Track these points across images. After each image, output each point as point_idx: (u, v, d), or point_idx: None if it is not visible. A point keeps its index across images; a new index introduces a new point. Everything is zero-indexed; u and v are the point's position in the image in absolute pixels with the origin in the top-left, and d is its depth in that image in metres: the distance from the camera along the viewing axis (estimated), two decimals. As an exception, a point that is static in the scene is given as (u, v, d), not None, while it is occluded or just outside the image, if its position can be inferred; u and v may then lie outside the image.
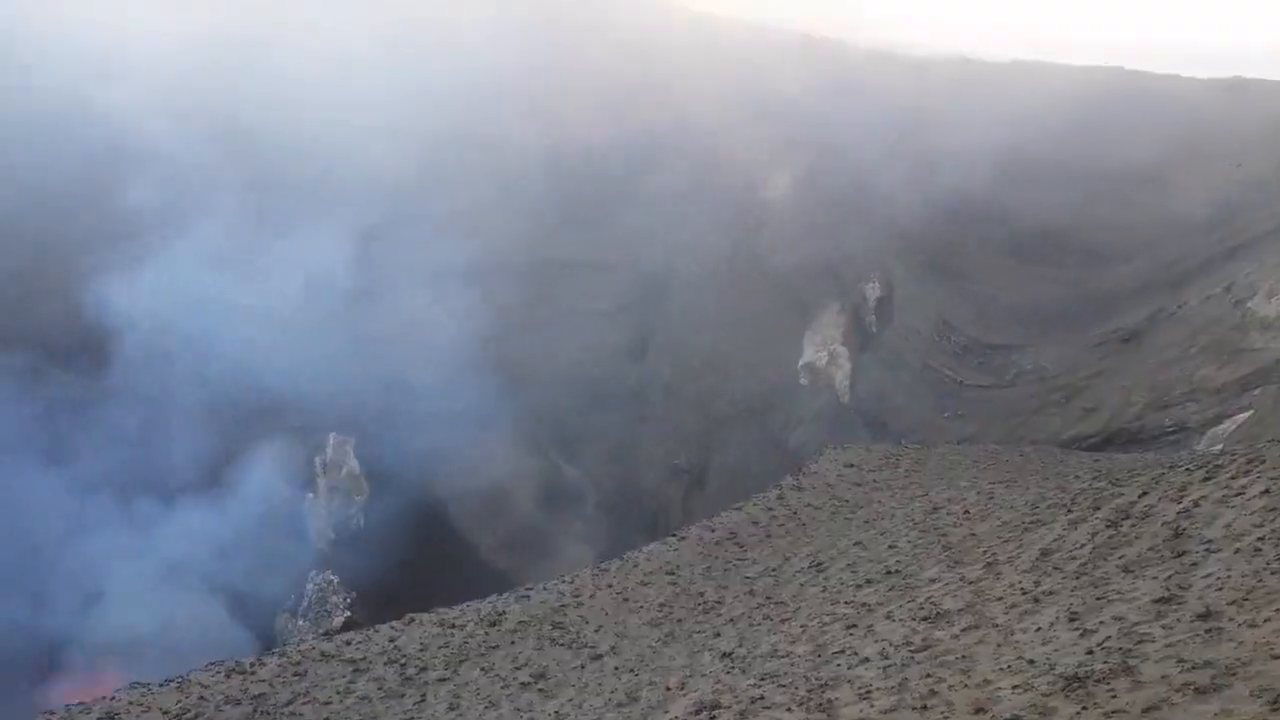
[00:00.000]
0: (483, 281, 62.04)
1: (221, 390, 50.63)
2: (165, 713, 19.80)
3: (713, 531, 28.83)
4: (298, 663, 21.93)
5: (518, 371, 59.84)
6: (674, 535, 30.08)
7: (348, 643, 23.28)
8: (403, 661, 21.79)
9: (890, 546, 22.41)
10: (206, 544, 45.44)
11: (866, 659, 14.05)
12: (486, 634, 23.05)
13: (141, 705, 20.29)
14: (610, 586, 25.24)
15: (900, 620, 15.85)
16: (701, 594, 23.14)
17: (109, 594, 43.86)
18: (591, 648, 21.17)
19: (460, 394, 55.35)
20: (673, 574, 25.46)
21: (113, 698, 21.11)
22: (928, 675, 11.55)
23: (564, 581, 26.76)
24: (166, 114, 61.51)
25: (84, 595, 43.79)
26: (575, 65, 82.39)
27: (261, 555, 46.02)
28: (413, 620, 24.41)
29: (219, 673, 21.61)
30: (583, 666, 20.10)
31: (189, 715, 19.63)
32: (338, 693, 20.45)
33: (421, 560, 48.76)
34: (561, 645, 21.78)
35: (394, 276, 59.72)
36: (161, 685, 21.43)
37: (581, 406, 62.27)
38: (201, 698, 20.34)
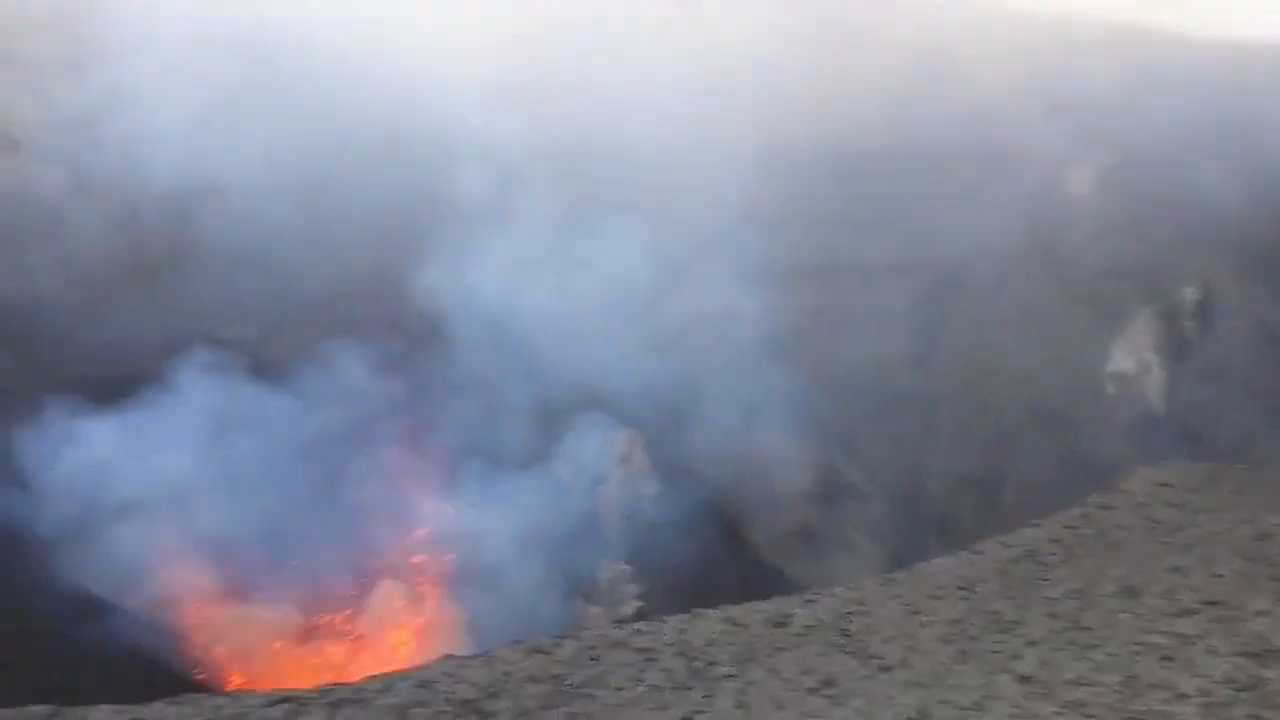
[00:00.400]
0: (775, 283, 62.24)
1: (534, 384, 53.78)
2: (475, 685, 21.13)
3: (1009, 548, 27.58)
4: (592, 647, 22.80)
5: (807, 374, 59.58)
6: (966, 549, 28.99)
7: (638, 632, 23.93)
8: (691, 655, 22.19)
9: (1212, 575, 20.71)
10: (515, 526, 48.61)
11: (1185, 695, 13.11)
12: (773, 635, 23.09)
13: (453, 677, 21.75)
14: (899, 597, 24.67)
15: (1223, 655, 14.67)
16: (997, 612, 22.22)
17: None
18: (879, 659, 20.79)
19: (750, 395, 55.89)
20: (965, 589, 24.57)
21: (426, 667, 22.78)
22: (1253, 716, 10.64)
23: (850, 589, 26.36)
24: (491, 112, 65.44)
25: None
26: (865, 65, 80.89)
27: (560, 542, 48.59)
28: (700, 615, 24.78)
29: (522, 651, 22.83)
30: (870, 677, 19.80)
31: (495, 690, 20.85)
32: (629, 680, 21.08)
33: (707, 556, 49.59)
34: (848, 653, 21.51)
35: (690, 278, 60.96)
36: (471, 659, 22.91)
37: (869, 411, 61.30)
38: (506, 674, 21.55)
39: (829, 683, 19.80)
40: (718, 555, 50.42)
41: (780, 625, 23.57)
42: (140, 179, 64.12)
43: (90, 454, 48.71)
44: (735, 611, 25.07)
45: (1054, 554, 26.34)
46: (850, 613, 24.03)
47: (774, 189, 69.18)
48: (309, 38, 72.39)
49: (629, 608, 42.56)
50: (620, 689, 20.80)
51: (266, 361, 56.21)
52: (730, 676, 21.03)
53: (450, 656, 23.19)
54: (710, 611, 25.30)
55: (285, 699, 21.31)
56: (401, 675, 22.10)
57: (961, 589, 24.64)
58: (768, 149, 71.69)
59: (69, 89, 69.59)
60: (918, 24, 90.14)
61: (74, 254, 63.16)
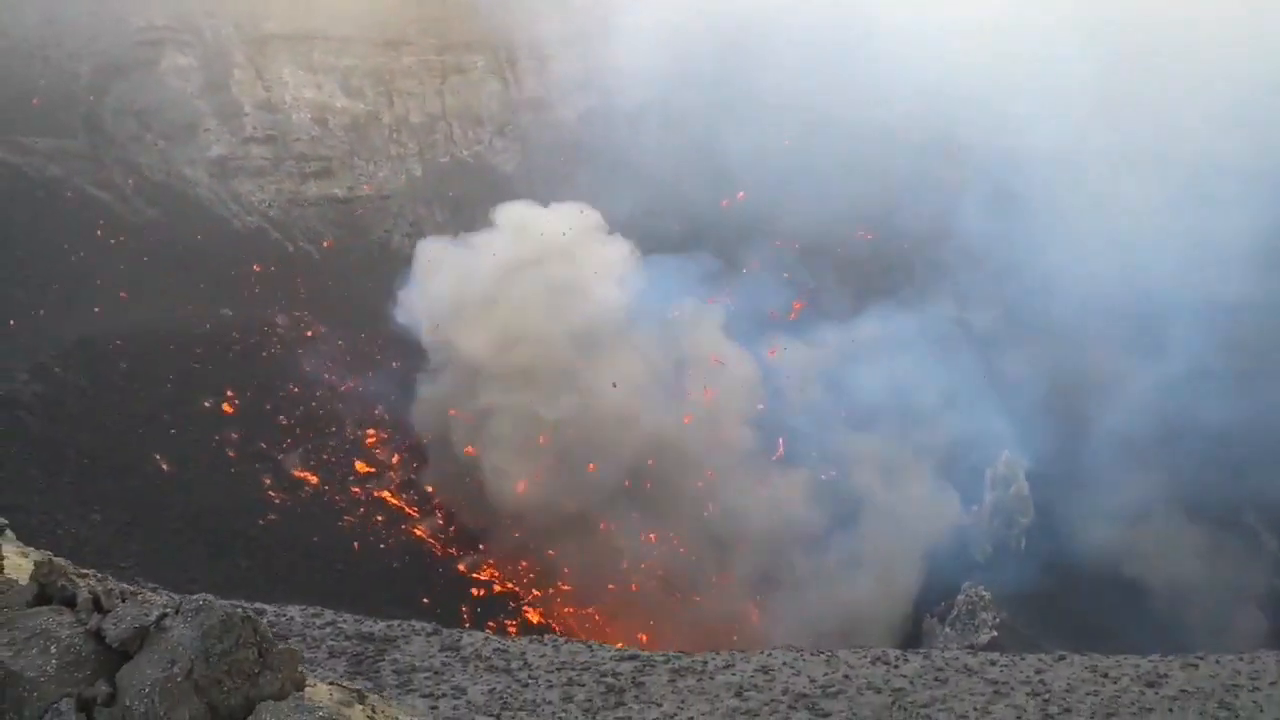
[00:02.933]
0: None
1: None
2: (812, 680, 21.18)
3: None
4: (940, 669, 22.09)
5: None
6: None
7: (992, 662, 22.90)
8: (1046, 697, 20.91)
9: None
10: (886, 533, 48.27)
11: None
12: (1142, 693, 21.24)
13: (792, 668, 21.95)
14: (1302, 678, 21.82)
15: None
16: None
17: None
18: (1266, 742, 18.55)
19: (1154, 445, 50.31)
20: (1389, 683, 21.30)
21: (768, 653, 23.12)
22: None
23: (1240, 659, 23.64)
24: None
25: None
26: None
27: (923, 557, 47.47)
28: (1063, 658, 23.27)
29: (865, 658, 22.57)
30: (1253, 761, 17.70)
31: (833, 690, 20.78)
32: (975, 709, 20.23)
33: (1077, 598, 46.27)
34: (1229, 730, 19.39)
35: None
36: (813, 654, 22.95)
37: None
38: (846, 676, 21.42)
39: (1200, 758, 17.94)
40: (1091, 599, 46.65)
41: (1153, 685, 21.61)
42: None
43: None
44: (1104, 661, 23.31)
45: None
46: (1237, 685, 21.58)
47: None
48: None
49: (984, 635, 40.60)
50: (964, 716, 20.00)
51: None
52: (1087, 728, 19.62)
53: (792, 647, 23.40)
54: (1075, 656, 23.69)
55: (634, 656, 22.47)
56: (744, 656, 22.60)
57: (1385, 684, 21.37)
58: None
59: (532, 74, 76.92)
60: None
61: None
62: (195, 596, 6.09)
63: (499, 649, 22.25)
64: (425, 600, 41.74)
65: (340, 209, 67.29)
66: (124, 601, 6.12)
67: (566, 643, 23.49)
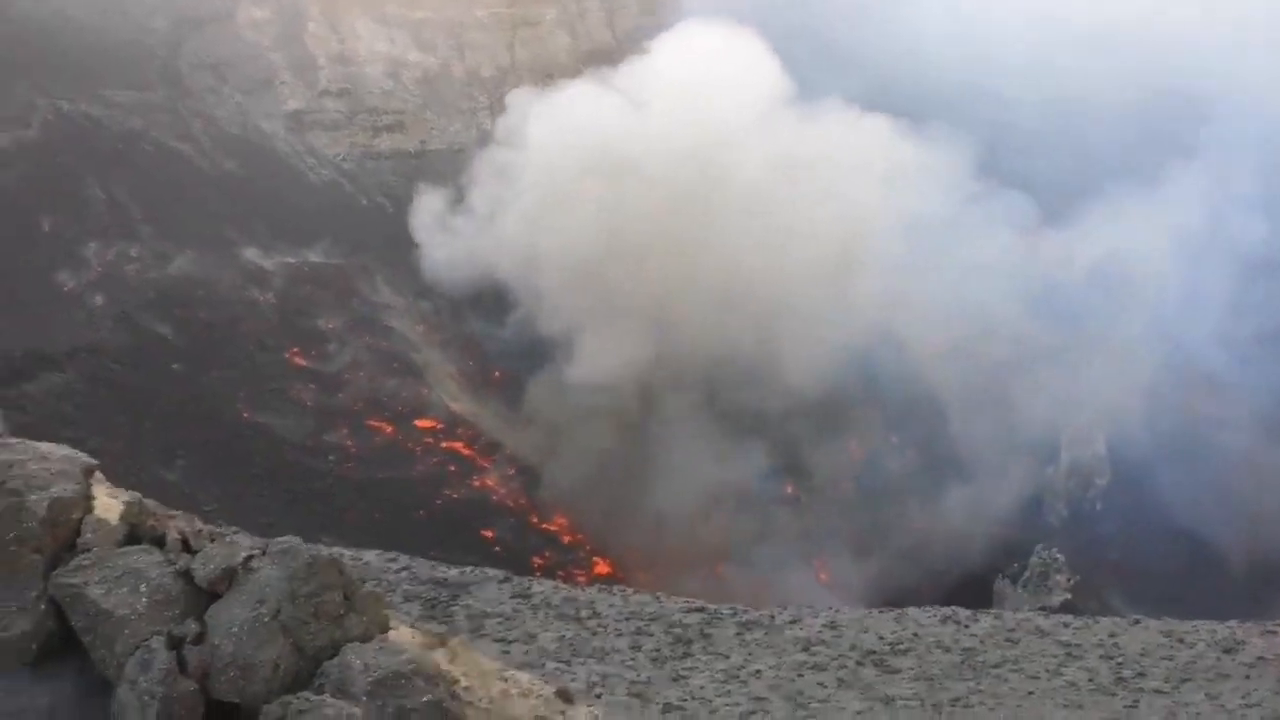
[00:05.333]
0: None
1: None
2: (881, 638, 21.12)
3: None
4: (1011, 630, 21.88)
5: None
6: None
7: (1065, 625, 22.65)
8: (1119, 660, 20.62)
9: None
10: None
11: None
12: (1218, 659, 20.84)
13: (861, 625, 21.91)
14: (1387, 647, 21.24)
15: None
16: None
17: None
18: (1346, 708, 18.11)
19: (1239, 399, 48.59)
20: None
21: (837, 610, 23.10)
22: None
23: (1323, 627, 23.10)
24: None
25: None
26: None
27: (996, 518, 46.92)
28: (1138, 622, 22.93)
29: (935, 617, 22.42)
30: (1330, 728, 17.31)
31: (901, 648, 20.70)
32: (1046, 670, 20.03)
33: (1154, 562, 45.41)
34: (1308, 697, 18.95)
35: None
36: (881, 611, 22.89)
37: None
38: (915, 635, 21.31)
39: (1279, 724, 17.59)
40: (1169, 563, 45.72)
41: (1230, 651, 21.19)
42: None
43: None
44: (1180, 627, 22.91)
45: None
46: (1319, 653, 21.11)
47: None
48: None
49: (1056, 598, 40.15)
50: (1035, 677, 19.81)
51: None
52: (1161, 693, 19.29)
53: (861, 606, 23.37)
54: (1151, 621, 23.33)
55: (701, 609, 22.58)
56: (812, 612, 22.61)
57: None
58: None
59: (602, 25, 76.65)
60: None
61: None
62: (282, 539, 6.22)
63: (568, 598, 22.50)
64: (497, 549, 42.42)
65: (412, 163, 67.64)
66: (212, 542, 6.29)
67: (635, 593, 23.68)
